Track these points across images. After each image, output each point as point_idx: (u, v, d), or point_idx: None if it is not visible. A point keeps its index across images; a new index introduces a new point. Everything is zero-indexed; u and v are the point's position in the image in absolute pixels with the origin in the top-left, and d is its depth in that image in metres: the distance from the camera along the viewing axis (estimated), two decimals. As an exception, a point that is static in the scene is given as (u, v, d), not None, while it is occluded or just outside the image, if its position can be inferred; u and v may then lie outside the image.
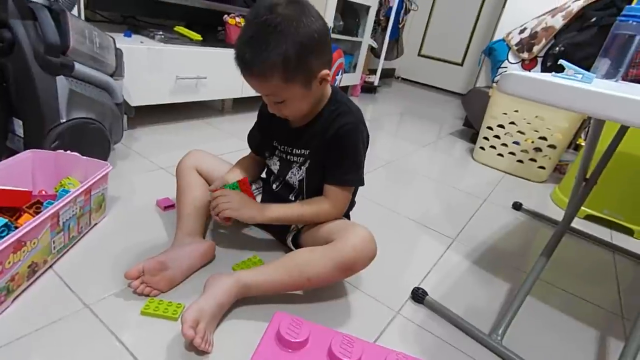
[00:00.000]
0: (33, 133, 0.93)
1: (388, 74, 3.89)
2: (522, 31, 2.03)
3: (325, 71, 0.70)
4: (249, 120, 0.95)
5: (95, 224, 0.88)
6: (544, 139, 1.71)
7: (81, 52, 0.96)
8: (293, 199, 0.88)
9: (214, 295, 0.65)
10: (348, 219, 0.90)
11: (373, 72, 3.07)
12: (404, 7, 3.02)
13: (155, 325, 0.65)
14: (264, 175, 0.98)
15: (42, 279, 0.70)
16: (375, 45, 2.92)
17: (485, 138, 1.88)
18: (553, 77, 0.64)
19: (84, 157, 0.88)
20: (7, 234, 0.60)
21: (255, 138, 0.93)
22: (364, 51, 2.75)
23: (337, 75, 2.39)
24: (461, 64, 3.75)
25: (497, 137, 1.83)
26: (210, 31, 1.81)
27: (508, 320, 0.78)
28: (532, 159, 1.77)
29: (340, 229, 0.76)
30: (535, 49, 1.95)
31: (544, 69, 1.95)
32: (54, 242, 0.71)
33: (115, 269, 0.75)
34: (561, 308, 0.93)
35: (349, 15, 2.63)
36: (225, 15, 1.72)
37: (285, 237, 0.88)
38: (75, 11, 1.08)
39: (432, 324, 0.79)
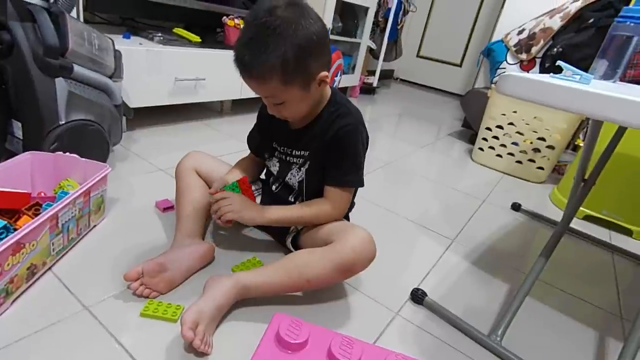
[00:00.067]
0: (32, 135, 0.93)
1: (387, 75, 3.90)
2: (520, 32, 2.03)
3: (324, 73, 0.71)
4: (248, 121, 0.95)
5: (95, 225, 0.87)
6: (543, 139, 1.71)
7: (80, 54, 0.97)
8: (293, 200, 0.88)
9: (213, 296, 0.65)
10: (347, 220, 0.90)
11: (372, 73, 3.07)
12: (403, 8, 3.02)
13: (155, 326, 0.65)
14: (263, 176, 0.98)
15: (41, 281, 0.70)
16: (374, 46, 2.93)
17: (484, 139, 1.88)
18: (551, 78, 0.64)
19: (83, 159, 0.88)
20: (6, 236, 0.60)
21: (254, 139, 0.93)
22: (362, 52, 2.75)
23: (336, 76, 2.39)
24: (460, 65, 3.75)
25: (495, 138, 1.84)
26: (209, 33, 1.81)
27: (507, 320, 0.78)
28: (530, 160, 1.77)
29: (340, 231, 0.76)
30: (534, 50, 1.96)
31: (543, 70, 1.96)
32: (53, 244, 0.71)
33: (115, 270, 0.75)
34: (560, 308, 0.93)
35: (348, 16, 2.63)
36: (224, 17, 1.72)
37: (285, 238, 0.88)
38: (74, 13, 1.08)
39: (431, 324, 0.79)
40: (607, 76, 0.79)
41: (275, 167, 0.88)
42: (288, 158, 0.85)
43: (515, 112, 1.75)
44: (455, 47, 3.71)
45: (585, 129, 1.93)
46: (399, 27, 3.10)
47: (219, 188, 0.81)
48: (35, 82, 0.88)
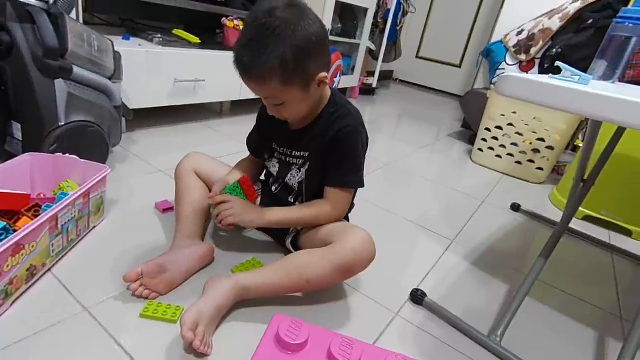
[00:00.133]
0: (32, 136, 0.93)
1: (386, 76, 3.90)
2: (519, 33, 2.04)
3: (324, 74, 0.71)
4: (248, 122, 0.95)
5: (94, 227, 0.87)
6: (542, 140, 1.72)
7: (80, 56, 0.97)
8: (292, 201, 0.88)
9: (213, 297, 0.65)
10: (347, 221, 0.90)
11: (371, 74, 3.07)
12: (402, 9, 3.03)
13: (154, 328, 0.65)
14: (263, 177, 0.98)
15: (40, 282, 0.70)
16: (373, 47, 2.93)
17: (484, 139, 1.88)
18: (550, 78, 0.64)
19: (83, 160, 0.88)
20: (6, 237, 0.60)
21: (254, 141, 0.93)
22: (362, 53, 2.76)
23: (336, 77, 2.39)
24: (459, 66, 3.76)
25: (495, 138, 1.84)
26: (209, 34, 1.82)
27: (507, 321, 0.78)
28: (530, 160, 1.77)
29: (340, 231, 0.76)
30: (533, 50, 1.96)
31: (542, 71, 1.96)
32: (52, 245, 0.71)
33: (114, 271, 0.75)
34: (560, 309, 0.93)
35: (347, 17, 2.64)
36: (224, 18, 1.73)
37: (285, 239, 0.88)
38: (73, 14, 1.08)
39: (431, 325, 0.79)
40: (606, 77, 0.79)
41: (275, 168, 0.88)
42: (288, 159, 0.85)
43: (514, 112, 1.75)
44: (454, 48, 3.72)
45: (584, 130, 1.93)
46: (398, 28, 3.10)
47: (219, 190, 0.81)
48: (35, 84, 0.88)
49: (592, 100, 0.56)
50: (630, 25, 0.74)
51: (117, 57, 1.13)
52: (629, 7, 0.79)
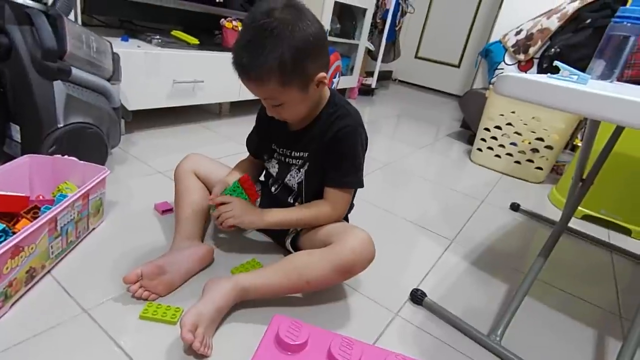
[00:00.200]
0: (30, 138, 0.93)
1: (385, 77, 3.90)
2: (518, 33, 2.04)
3: (322, 74, 0.71)
4: (247, 123, 0.95)
5: (93, 228, 0.87)
6: (541, 139, 1.72)
7: (78, 57, 0.97)
8: (292, 201, 0.88)
9: (212, 299, 0.65)
10: (347, 222, 0.90)
11: (370, 74, 3.08)
12: (401, 9, 3.03)
13: (154, 329, 0.65)
14: (262, 178, 0.98)
15: (40, 284, 0.70)
16: (372, 47, 2.93)
17: (483, 139, 1.88)
18: (548, 78, 0.65)
19: (82, 162, 0.88)
20: (5, 240, 0.60)
21: (253, 141, 0.93)
22: (361, 54, 2.76)
23: (335, 77, 2.40)
24: (458, 66, 3.76)
25: (494, 138, 1.84)
26: (208, 35, 1.82)
27: (507, 320, 0.78)
28: (529, 160, 1.78)
29: (339, 232, 0.76)
30: (531, 50, 1.97)
31: (540, 71, 1.96)
32: (52, 247, 0.71)
33: (114, 273, 0.75)
34: (559, 308, 0.93)
35: (346, 18, 2.64)
36: (222, 19, 1.73)
37: (284, 239, 0.88)
38: (72, 16, 1.08)
39: (431, 325, 0.79)
40: (605, 76, 0.79)
41: (274, 169, 0.88)
42: (287, 159, 0.85)
43: (513, 112, 1.76)
44: (453, 48, 3.72)
45: (583, 129, 1.93)
46: (397, 28, 3.10)
47: (220, 191, 0.81)
48: (34, 86, 0.88)
49: (590, 100, 0.56)
50: (628, 24, 0.75)
51: (115, 58, 1.13)
52: (627, 6, 0.79)
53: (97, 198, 0.85)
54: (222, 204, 0.79)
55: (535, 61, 1.99)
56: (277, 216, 0.81)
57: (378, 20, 2.90)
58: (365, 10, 2.61)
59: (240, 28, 0.81)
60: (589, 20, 1.81)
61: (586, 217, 1.46)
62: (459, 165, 1.91)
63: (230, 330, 0.67)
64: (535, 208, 1.47)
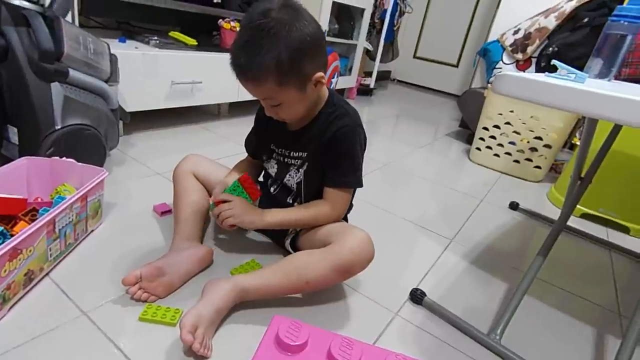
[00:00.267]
0: (28, 140, 0.93)
1: (384, 77, 3.91)
2: (516, 32, 2.04)
3: (320, 74, 0.71)
4: (246, 124, 0.95)
5: (92, 230, 0.87)
6: (540, 138, 1.72)
7: (75, 59, 0.96)
8: (291, 201, 0.88)
9: (212, 300, 0.65)
10: (346, 222, 0.90)
11: (369, 74, 3.08)
12: (399, 9, 3.03)
13: (154, 331, 0.65)
14: (261, 178, 0.98)
15: (38, 286, 0.70)
16: (370, 47, 2.93)
17: (481, 139, 1.89)
18: (546, 77, 0.65)
19: (80, 164, 0.88)
20: (3, 242, 0.60)
21: (252, 142, 0.93)
22: (359, 54, 2.76)
23: (333, 78, 2.40)
24: (456, 66, 3.77)
25: (493, 137, 1.84)
26: (206, 36, 1.82)
27: (506, 319, 0.78)
28: (528, 159, 1.78)
29: (338, 232, 0.76)
30: (529, 49, 1.97)
31: (539, 69, 1.97)
32: (50, 250, 0.71)
33: (113, 275, 0.75)
34: (559, 306, 0.93)
35: (344, 18, 2.64)
36: (220, 20, 1.73)
37: (284, 240, 0.88)
38: (69, 17, 1.08)
39: (430, 324, 0.79)
40: (602, 75, 0.80)
41: (273, 169, 0.88)
42: (286, 159, 0.85)
43: (512, 111, 1.76)
44: (451, 48, 3.73)
45: (581, 128, 1.93)
46: (395, 28, 3.11)
47: (220, 192, 0.81)
48: (31, 87, 0.88)
49: (588, 98, 0.56)
50: (625, 23, 0.75)
51: (113, 59, 1.13)
52: (624, 5, 0.79)
53: (95, 200, 0.85)
54: (223, 202, 0.78)
55: (534, 60, 1.99)
56: (277, 216, 0.81)
57: (376, 20, 2.90)
58: (363, 10, 2.61)
59: (238, 29, 0.81)
60: (586, 19, 1.82)
61: (585, 216, 1.46)
62: (458, 164, 1.91)
63: (230, 331, 0.67)
64: (534, 207, 1.47)
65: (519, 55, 2.01)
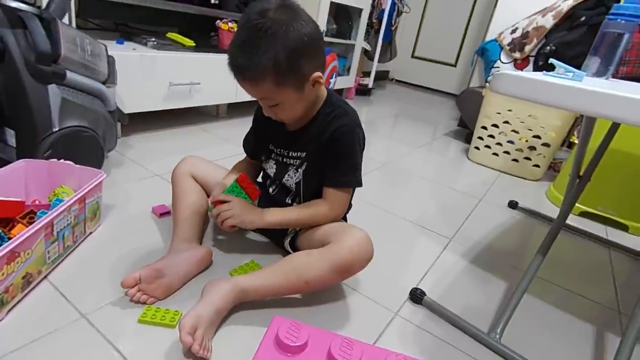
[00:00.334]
0: (26, 142, 0.93)
1: (382, 76, 3.91)
2: (513, 31, 2.05)
3: (318, 74, 0.71)
4: (244, 125, 0.95)
5: (91, 232, 0.87)
6: (538, 137, 1.72)
7: (73, 60, 0.96)
8: (290, 202, 0.88)
9: (211, 301, 0.65)
10: (345, 222, 0.90)
11: (367, 74, 3.08)
12: (396, 9, 3.04)
13: (153, 333, 0.65)
14: (260, 179, 0.98)
15: (37, 289, 0.69)
16: (368, 47, 2.94)
17: (480, 138, 1.89)
18: (544, 76, 0.65)
19: (78, 166, 0.88)
20: (0, 245, 0.59)
21: (250, 142, 0.93)
22: (357, 54, 2.76)
23: (331, 78, 2.40)
24: (454, 65, 3.77)
25: (491, 136, 1.85)
26: (203, 37, 1.81)
27: (506, 318, 0.78)
28: (526, 158, 1.78)
29: (337, 231, 0.76)
30: (527, 48, 1.97)
31: (536, 68, 1.97)
32: (48, 252, 0.71)
33: (112, 277, 0.74)
34: (558, 305, 0.93)
35: (342, 18, 2.64)
36: (218, 21, 1.72)
37: (283, 240, 0.88)
38: (66, 19, 1.08)
39: (430, 324, 0.79)
40: (600, 73, 0.80)
41: (272, 169, 0.88)
42: (285, 160, 0.84)
43: (510, 110, 1.76)
44: (449, 47, 3.73)
45: (579, 126, 1.94)
46: (393, 28, 3.11)
47: (219, 193, 0.81)
48: (28, 89, 0.88)
49: (586, 97, 0.56)
50: (622, 21, 0.75)
51: (110, 61, 1.13)
52: (621, 3, 0.79)
53: (93, 202, 0.85)
54: (222, 202, 0.78)
55: (531, 59, 1.99)
56: (276, 216, 0.81)
57: (374, 20, 2.90)
58: (361, 10, 2.61)
59: (235, 29, 0.81)
60: (583, 18, 1.82)
61: (584, 214, 1.47)
62: (457, 164, 1.91)
63: (230, 332, 0.67)
64: (533, 205, 1.47)
65: (517, 54, 2.01)
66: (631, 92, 0.53)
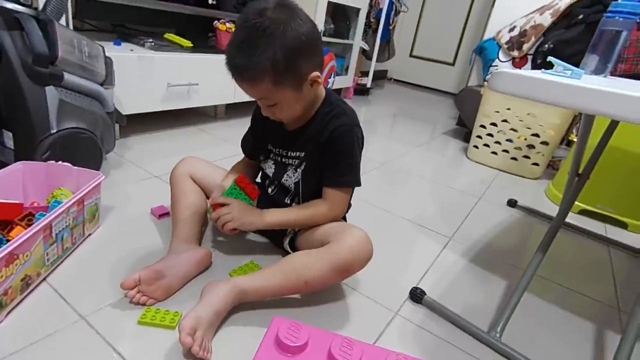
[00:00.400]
0: (23, 144, 0.93)
1: (380, 76, 3.91)
2: (511, 29, 2.05)
3: (316, 73, 0.70)
4: (243, 125, 0.95)
5: (90, 234, 0.87)
6: (537, 135, 1.72)
7: (70, 62, 0.96)
8: (289, 202, 0.87)
9: (211, 302, 0.65)
10: (344, 221, 0.90)
11: (365, 74, 3.08)
12: (394, 8, 3.04)
13: (153, 334, 0.64)
14: (258, 179, 0.97)
15: (36, 291, 0.69)
16: (366, 47, 2.94)
17: (479, 136, 1.89)
18: (543, 74, 0.65)
19: (76, 168, 0.87)
20: (-1, 247, 0.59)
21: (249, 142, 0.92)
22: (355, 53, 2.76)
23: (330, 78, 2.40)
24: (453, 64, 3.77)
25: (490, 135, 1.85)
26: (201, 37, 1.81)
27: (506, 317, 0.78)
28: (525, 156, 1.78)
29: (337, 231, 0.75)
30: (525, 46, 1.97)
31: (535, 67, 1.97)
32: (47, 254, 0.70)
33: (111, 279, 0.74)
34: (558, 303, 0.93)
35: (340, 18, 2.64)
36: (216, 21, 1.72)
37: (282, 240, 0.88)
38: (63, 20, 1.07)
39: (430, 323, 0.79)
40: (598, 71, 0.80)
41: (270, 169, 0.88)
42: (283, 159, 0.84)
43: (508, 109, 1.76)
44: (447, 46, 3.73)
45: (578, 124, 1.94)
46: (391, 27, 3.11)
47: (218, 196, 0.80)
48: (25, 91, 0.87)
49: (584, 94, 0.56)
50: (620, 19, 0.75)
51: (108, 62, 1.12)
52: (619, 1, 0.79)
53: (92, 203, 0.85)
54: (221, 205, 0.78)
55: (529, 57, 1.99)
56: (276, 216, 0.81)
57: (372, 20, 2.90)
58: (358, 10, 2.61)
59: (233, 29, 0.81)
60: (581, 16, 1.82)
61: (583, 212, 1.47)
62: (456, 162, 1.92)
63: (230, 333, 0.67)
64: (533, 204, 1.47)
65: (515, 53, 2.01)
66: (629, 90, 0.53)
